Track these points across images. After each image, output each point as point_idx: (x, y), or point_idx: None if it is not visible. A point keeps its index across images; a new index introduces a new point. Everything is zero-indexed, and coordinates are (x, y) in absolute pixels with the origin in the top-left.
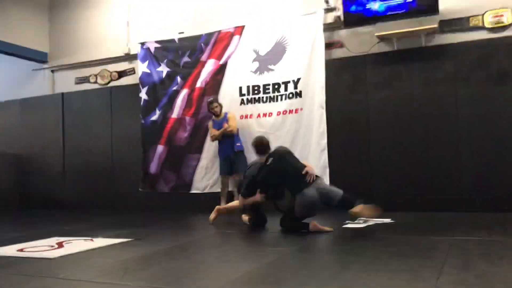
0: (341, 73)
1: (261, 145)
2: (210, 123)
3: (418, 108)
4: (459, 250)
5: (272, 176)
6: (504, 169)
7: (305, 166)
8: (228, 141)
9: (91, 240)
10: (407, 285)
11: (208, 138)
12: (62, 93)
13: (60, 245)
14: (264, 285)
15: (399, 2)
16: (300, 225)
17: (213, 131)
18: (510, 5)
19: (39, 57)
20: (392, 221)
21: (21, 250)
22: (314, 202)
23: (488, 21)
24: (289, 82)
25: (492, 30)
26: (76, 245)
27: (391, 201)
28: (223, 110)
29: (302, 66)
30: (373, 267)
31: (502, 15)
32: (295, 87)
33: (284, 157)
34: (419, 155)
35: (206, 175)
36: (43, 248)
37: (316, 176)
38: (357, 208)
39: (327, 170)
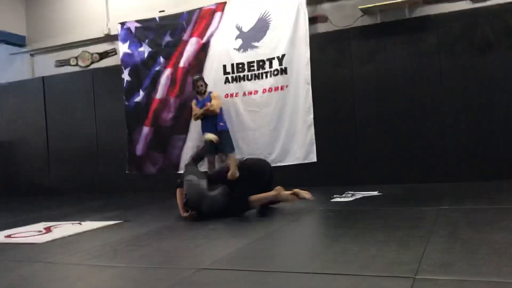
0: (325, 48)
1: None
2: (193, 102)
3: (402, 81)
4: (446, 219)
5: None
6: (488, 139)
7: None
8: (211, 121)
9: (79, 223)
10: (396, 255)
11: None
12: (43, 77)
13: (48, 230)
14: (255, 260)
15: None
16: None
17: (195, 110)
18: None
19: (16, 41)
20: (379, 194)
21: (9, 236)
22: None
23: None
24: (273, 58)
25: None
26: (65, 229)
27: (378, 174)
28: (208, 89)
29: (286, 42)
30: (362, 239)
31: None
32: (280, 64)
33: None
34: (404, 128)
35: None
36: (31, 233)
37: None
38: None
39: (314, 147)
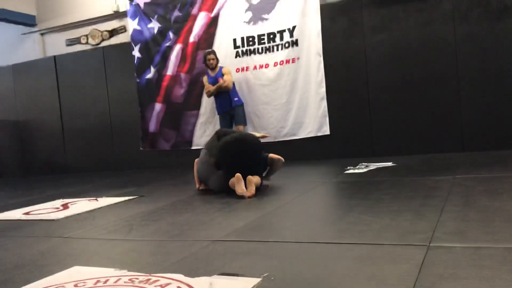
0: (337, 18)
1: None
2: (204, 78)
3: (416, 50)
4: (461, 188)
5: None
6: (504, 107)
7: None
8: (225, 97)
9: (96, 200)
10: (410, 224)
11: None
12: (54, 56)
13: (65, 206)
14: (269, 231)
15: None
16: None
17: (208, 87)
18: None
19: (27, 21)
20: (393, 165)
21: (27, 213)
22: None
23: None
24: (284, 31)
25: None
26: (81, 205)
27: (392, 145)
28: (218, 64)
29: (297, 13)
30: (376, 209)
31: None
32: (291, 36)
33: None
34: (418, 98)
35: (206, 131)
36: (48, 210)
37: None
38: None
39: (327, 119)
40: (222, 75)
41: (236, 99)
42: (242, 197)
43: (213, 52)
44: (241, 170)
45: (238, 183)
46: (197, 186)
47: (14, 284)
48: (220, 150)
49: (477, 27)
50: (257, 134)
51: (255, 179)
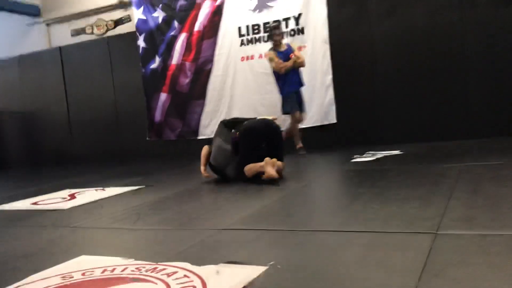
0: (343, 5)
1: None
2: (271, 53)
3: (424, 37)
4: (469, 175)
5: None
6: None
7: None
8: (295, 75)
9: (103, 189)
10: (417, 211)
11: (211, 83)
12: (60, 47)
13: (72, 196)
14: (275, 219)
15: None
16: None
17: (280, 62)
18: None
19: (32, 11)
20: (400, 153)
21: (35, 203)
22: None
23: None
24: (289, 18)
25: None
26: (88, 195)
27: (399, 133)
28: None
29: (302, 0)
30: (383, 196)
31: None
32: (296, 24)
33: None
34: (426, 85)
35: (212, 120)
36: (56, 200)
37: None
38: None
39: (334, 107)
40: (293, 51)
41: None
42: (271, 181)
43: (278, 27)
44: (267, 155)
45: (270, 166)
46: (202, 170)
47: (23, 272)
48: (245, 134)
49: (485, 14)
50: (270, 118)
51: (277, 162)
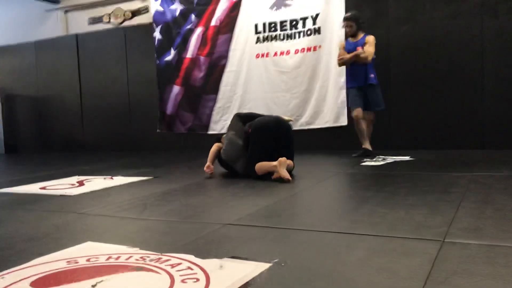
0: (361, 7)
1: None
2: (341, 44)
3: (441, 43)
4: (479, 185)
5: None
6: None
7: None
8: (360, 69)
9: (111, 178)
10: (425, 218)
11: (224, 78)
12: (76, 34)
13: (80, 183)
14: (280, 217)
15: None
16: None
17: (342, 53)
18: None
19: None
20: (411, 159)
21: (44, 188)
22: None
23: None
24: (307, 18)
25: None
26: (97, 183)
27: (411, 139)
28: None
29: (321, 0)
30: (391, 201)
31: None
32: (314, 23)
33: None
34: (441, 92)
35: (223, 116)
36: (64, 186)
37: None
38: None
39: (345, 110)
40: (364, 44)
41: (372, 75)
42: (281, 180)
43: (351, 18)
44: (277, 153)
45: (284, 167)
46: (207, 165)
47: (28, 255)
48: (256, 130)
49: (506, 22)
50: (285, 118)
51: (288, 161)
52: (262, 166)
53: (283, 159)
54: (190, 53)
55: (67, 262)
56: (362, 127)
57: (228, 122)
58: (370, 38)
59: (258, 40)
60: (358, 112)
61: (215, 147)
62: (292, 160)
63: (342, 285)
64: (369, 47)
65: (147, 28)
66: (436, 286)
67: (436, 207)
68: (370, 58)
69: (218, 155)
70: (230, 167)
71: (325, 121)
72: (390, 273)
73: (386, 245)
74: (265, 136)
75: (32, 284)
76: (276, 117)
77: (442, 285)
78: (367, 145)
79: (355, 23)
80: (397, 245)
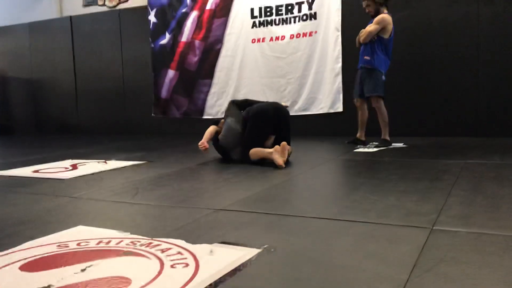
0: None
1: None
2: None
3: (437, 29)
4: (471, 173)
5: None
6: None
7: None
8: (363, 51)
9: (105, 162)
10: (415, 205)
11: (219, 63)
12: (71, 17)
13: (74, 167)
14: (272, 203)
15: None
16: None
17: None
18: None
19: None
20: (404, 145)
21: (36, 171)
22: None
23: None
24: (303, 2)
25: None
26: (90, 167)
27: (405, 125)
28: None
29: None
30: (382, 188)
31: None
32: (310, 8)
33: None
34: (436, 79)
35: (218, 100)
36: (57, 169)
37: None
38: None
39: (341, 96)
40: (371, 24)
41: (366, 57)
42: (276, 166)
43: None
44: (276, 138)
45: (278, 154)
46: (201, 142)
47: (19, 238)
48: (255, 116)
49: (502, 9)
50: (282, 103)
51: (288, 146)
52: (256, 152)
53: (281, 145)
54: (185, 37)
55: (58, 246)
56: (359, 118)
57: (223, 107)
58: (377, 18)
59: (254, 24)
60: (355, 102)
61: (212, 128)
62: (289, 144)
63: (330, 270)
64: (368, 27)
65: (142, 11)
66: (423, 273)
67: (427, 194)
68: (363, 38)
69: (214, 139)
70: (225, 154)
71: (320, 107)
72: (378, 260)
73: (375, 231)
74: (264, 122)
75: (21, 267)
76: (275, 103)
77: (429, 272)
78: (361, 135)
79: (373, 1)
80: (386, 232)
